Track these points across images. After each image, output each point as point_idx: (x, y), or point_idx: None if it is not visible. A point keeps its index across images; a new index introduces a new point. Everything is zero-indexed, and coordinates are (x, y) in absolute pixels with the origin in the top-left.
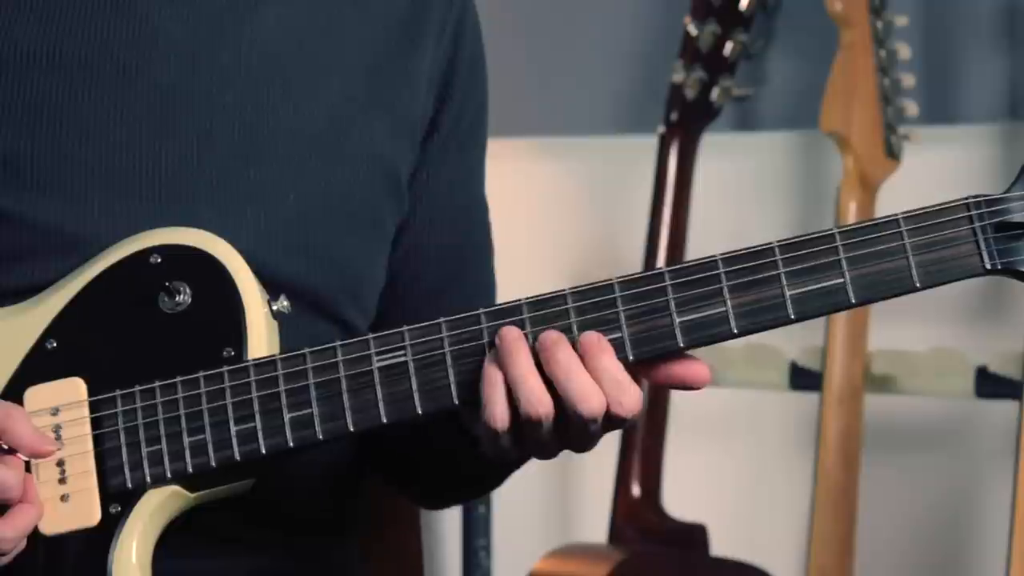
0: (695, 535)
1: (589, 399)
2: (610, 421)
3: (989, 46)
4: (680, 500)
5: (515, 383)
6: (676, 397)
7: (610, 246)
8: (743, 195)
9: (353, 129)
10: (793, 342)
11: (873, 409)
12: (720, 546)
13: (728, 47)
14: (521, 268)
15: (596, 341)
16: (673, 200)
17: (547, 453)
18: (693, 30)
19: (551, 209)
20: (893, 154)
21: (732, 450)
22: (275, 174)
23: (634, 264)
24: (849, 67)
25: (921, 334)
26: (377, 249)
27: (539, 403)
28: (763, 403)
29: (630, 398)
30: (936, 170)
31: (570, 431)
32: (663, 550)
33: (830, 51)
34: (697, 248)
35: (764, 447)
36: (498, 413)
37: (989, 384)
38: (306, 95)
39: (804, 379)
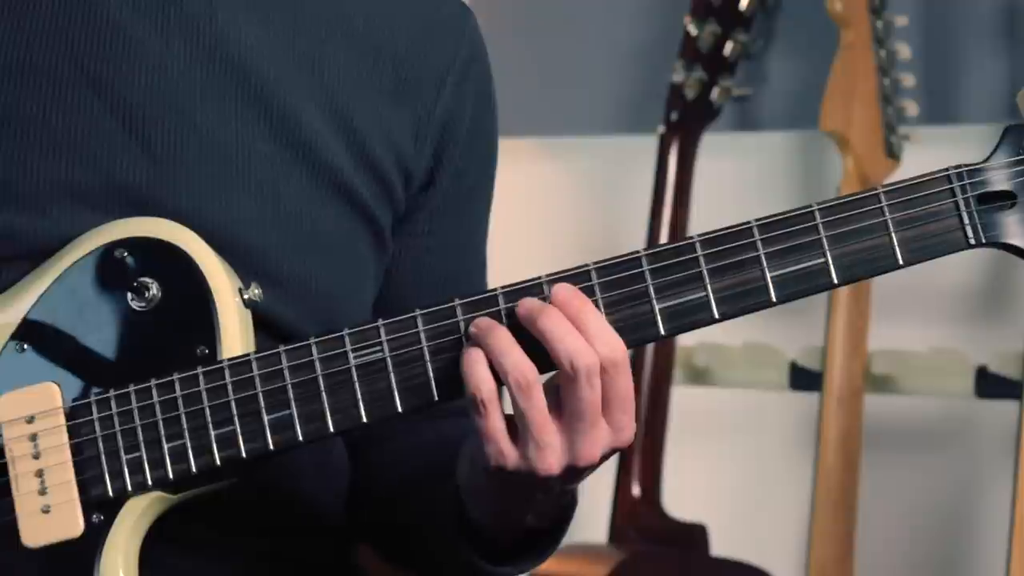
0: (695, 535)
1: (583, 352)
2: (609, 387)
3: (989, 46)
4: (680, 500)
5: (498, 356)
6: (676, 397)
7: (610, 246)
8: (743, 195)
9: (323, 162)
10: (793, 342)
11: (873, 409)
12: (720, 546)
13: (728, 47)
14: (520, 268)
15: (572, 293)
16: (673, 200)
17: (549, 456)
18: (693, 30)
19: (551, 209)
20: (893, 154)
21: (732, 450)
22: (248, 200)
23: None
24: (849, 67)
25: (921, 334)
26: (357, 284)
27: (526, 369)
28: (763, 403)
29: (615, 345)
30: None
31: (569, 410)
32: (663, 550)
33: (830, 51)
34: None
35: (764, 447)
36: (484, 380)
37: (989, 384)
38: (280, 121)
39: (804, 379)
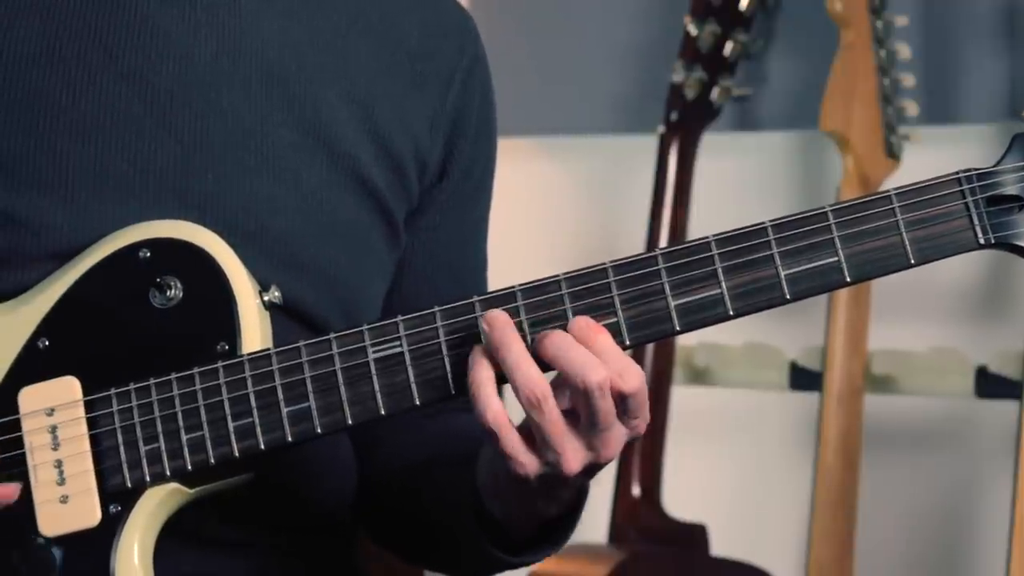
0: (695, 535)
1: (594, 368)
2: (621, 406)
3: (989, 46)
4: (680, 500)
5: (510, 371)
6: (676, 397)
7: (610, 246)
8: (743, 195)
9: (343, 151)
10: (793, 342)
11: (873, 409)
12: (720, 546)
13: (728, 47)
14: (520, 269)
15: (587, 324)
16: (673, 200)
17: (570, 460)
18: (693, 30)
19: (551, 209)
20: (893, 154)
21: (732, 450)
22: (272, 186)
23: None
24: (849, 67)
25: (921, 334)
26: (372, 272)
27: (536, 384)
28: (763, 403)
29: (632, 371)
30: (936, 170)
31: (585, 420)
32: (663, 550)
33: (830, 51)
34: None
35: (764, 447)
36: (489, 404)
37: (989, 384)
38: (303, 110)
39: (804, 379)
